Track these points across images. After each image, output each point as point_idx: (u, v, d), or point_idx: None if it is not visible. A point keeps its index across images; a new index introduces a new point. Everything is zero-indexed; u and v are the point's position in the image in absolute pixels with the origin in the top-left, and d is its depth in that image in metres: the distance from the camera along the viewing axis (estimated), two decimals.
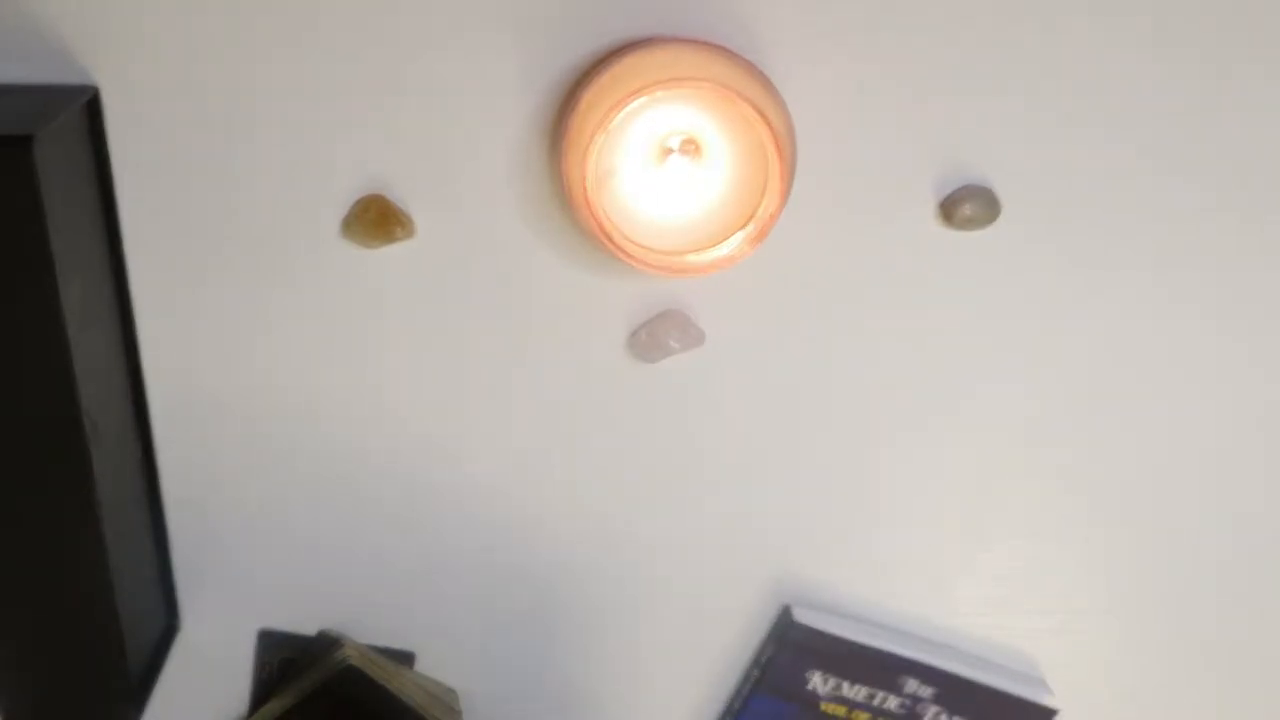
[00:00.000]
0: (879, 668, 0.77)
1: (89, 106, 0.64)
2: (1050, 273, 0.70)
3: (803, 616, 0.77)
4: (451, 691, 0.82)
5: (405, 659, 0.80)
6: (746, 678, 0.81)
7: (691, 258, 0.62)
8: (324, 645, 0.79)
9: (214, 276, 0.70)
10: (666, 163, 0.61)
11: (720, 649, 0.81)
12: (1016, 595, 0.79)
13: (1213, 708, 0.84)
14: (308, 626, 0.80)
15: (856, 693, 0.78)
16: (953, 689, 0.77)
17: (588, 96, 0.61)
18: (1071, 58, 0.65)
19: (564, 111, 0.65)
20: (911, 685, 0.77)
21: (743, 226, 0.62)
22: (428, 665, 0.81)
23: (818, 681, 0.77)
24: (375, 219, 0.68)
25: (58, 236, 0.60)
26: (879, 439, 0.75)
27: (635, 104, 0.58)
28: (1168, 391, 0.74)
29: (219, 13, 0.64)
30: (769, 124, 0.59)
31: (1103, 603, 0.80)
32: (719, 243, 0.62)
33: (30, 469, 0.65)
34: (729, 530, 0.77)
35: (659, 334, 0.71)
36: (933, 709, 0.78)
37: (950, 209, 0.68)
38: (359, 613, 0.80)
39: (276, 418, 0.73)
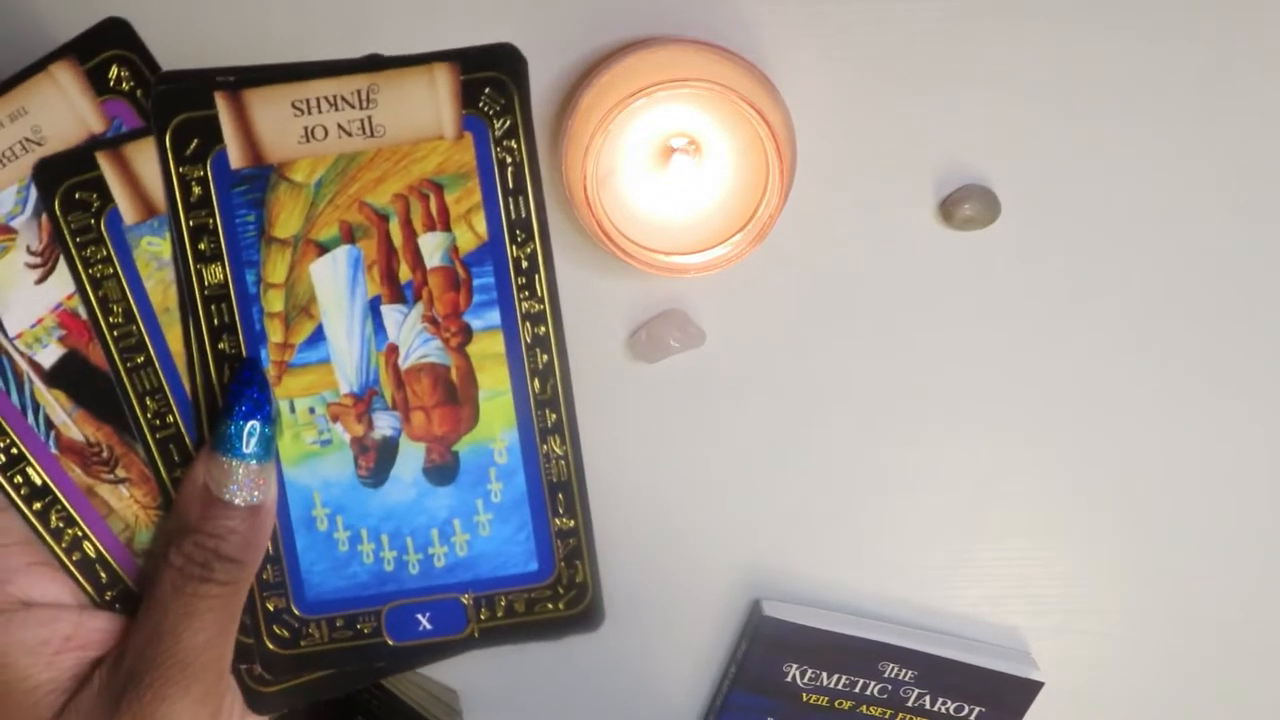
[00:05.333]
0: (855, 655, 0.76)
1: None
2: (1050, 273, 0.70)
3: (772, 610, 0.77)
4: (451, 691, 0.82)
5: None
6: (724, 675, 0.81)
7: (691, 258, 0.62)
8: None
9: None
10: (667, 163, 0.61)
11: (708, 646, 0.81)
12: (1012, 594, 0.79)
13: (1211, 708, 0.84)
14: None
15: (836, 682, 0.77)
16: (934, 670, 0.77)
17: (588, 97, 0.61)
18: (1072, 57, 0.65)
19: (564, 112, 0.65)
20: (891, 670, 0.77)
21: (743, 226, 0.62)
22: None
23: (795, 674, 0.77)
24: None
25: None
26: (878, 438, 0.75)
27: (635, 104, 0.58)
28: (1167, 391, 0.74)
29: (219, 13, 0.64)
30: (769, 124, 0.59)
31: (1101, 602, 0.80)
32: (719, 243, 0.62)
33: None
34: (728, 528, 0.77)
35: (659, 334, 0.71)
36: (915, 691, 0.78)
37: (950, 209, 0.68)
38: None
39: None
